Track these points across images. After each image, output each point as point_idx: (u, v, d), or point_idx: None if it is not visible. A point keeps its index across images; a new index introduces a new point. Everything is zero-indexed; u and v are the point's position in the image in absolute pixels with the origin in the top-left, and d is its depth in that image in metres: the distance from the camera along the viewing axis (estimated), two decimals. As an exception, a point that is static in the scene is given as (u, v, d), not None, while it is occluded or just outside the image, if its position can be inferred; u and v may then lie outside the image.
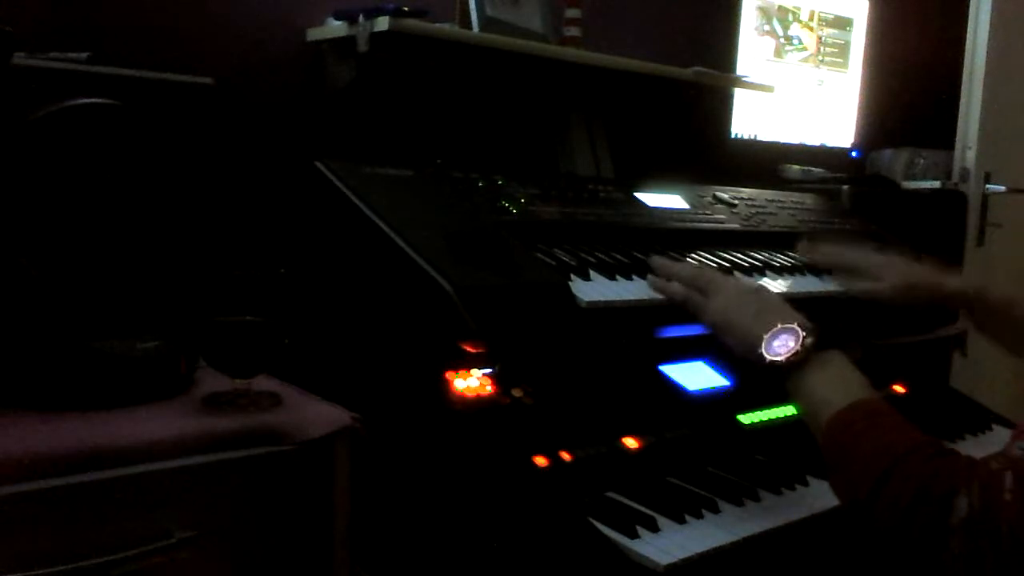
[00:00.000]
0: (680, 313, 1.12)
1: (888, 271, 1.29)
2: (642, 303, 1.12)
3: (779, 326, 0.97)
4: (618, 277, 1.16)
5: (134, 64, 1.14)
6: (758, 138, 2.16)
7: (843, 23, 2.35)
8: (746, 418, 1.23)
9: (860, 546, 0.99)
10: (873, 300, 1.29)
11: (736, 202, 1.61)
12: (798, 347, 0.95)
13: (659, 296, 1.13)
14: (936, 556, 0.76)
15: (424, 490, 1.04)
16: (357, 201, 1.12)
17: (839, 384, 0.93)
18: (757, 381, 1.17)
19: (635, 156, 1.79)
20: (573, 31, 1.73)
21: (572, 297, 1.07)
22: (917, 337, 1.54)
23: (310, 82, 1.54)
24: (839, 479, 0.88)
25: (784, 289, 1.29)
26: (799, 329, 0.96)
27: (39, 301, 0.94)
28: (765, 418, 1.23)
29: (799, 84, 2.25)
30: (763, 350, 0.97)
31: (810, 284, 1.36)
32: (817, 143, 2.32)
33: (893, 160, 2.49)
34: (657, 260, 1.19)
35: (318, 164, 1.18)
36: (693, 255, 1.34)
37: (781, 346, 0.96)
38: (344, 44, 1.46)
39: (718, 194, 1.62)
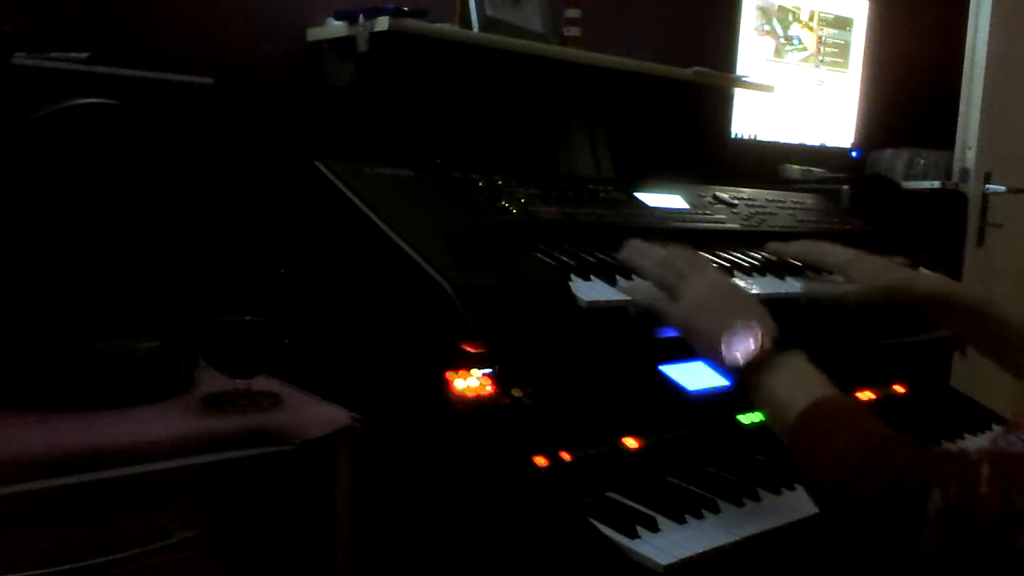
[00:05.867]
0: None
1: (859, 270, 1.21)
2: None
3: (738, 326, 0.95)
4: (618, 277, 1.16)
5: (134, 64, 1.14)
6: (758, 138, 2.16)
7: (843, 23, 2.36)
8: (746, 418, 1.22)
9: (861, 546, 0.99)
10: (843, 304, 1.22)
11: (736, 202, 1.61)
12: (756, 350, 0.93)
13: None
14: (911, 548, 0.75)
15: (424, 490, 1.04)
16: (357, 201, 1.12)
17: (800, 384, 0.91)
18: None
19: (635, 156, 1.79)
20: (573, 31, 1.73)
21: (572, 297, 1.07)
22: (917, 337, 1.54)
23: (310, 82, 1.54)
24: (810, 478, 0.87)
25: (784, 290, 1.29)
26: (757, 330, 0.94)
27: (39, 301, 0.94)
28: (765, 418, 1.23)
29: (799, 84, 2.26)
30: (723, 352, 0.95)
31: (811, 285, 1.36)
32: (817, 143, 2.32)
33: (893, 160, 2.49)
34: (626, 250, 1.13)
35: (318, 164, 1.18)
36: (693, 255, 1.33)
37: (739, 347, 0.94)
38: (344, 44, 1.46)
39: (718, 194, 1.62)
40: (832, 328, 0.98)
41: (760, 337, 0.94)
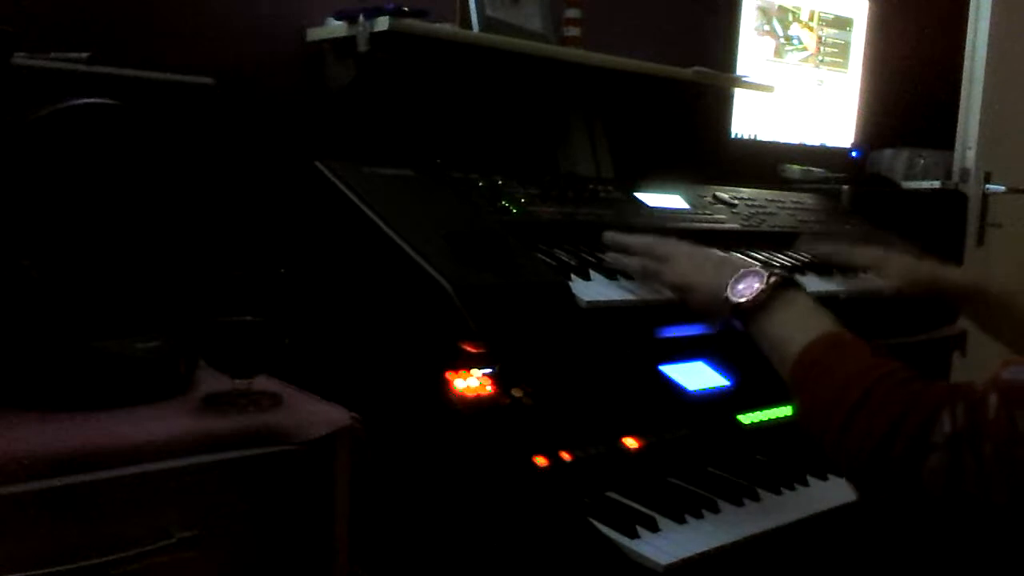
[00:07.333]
0: (680, 313, 1.12)
1: (890, 265, 1.29)
2: (642, 303, 1.12)
3: (743, 270, 0.99)
4: (618, 277, 1.16)
5: (134, 64, 1.14)
6: (758, 138, 2.16)
7: (843, 23, 2.35)
8: (746, 418, 1.23)
9: (861, 546, 0.99)
10: (877, 296, 1.28)
11: (736, 202, 1.61)
12: (763, 286, 0.96)
13: (659, 296, 1.13)
14: (915, 474, 0.75)
15: (424, 490, 1.04)
16: (357, 201, 1.12)
17: (806, 322, 0.93)
18: (757, 381, 1.17)
19: (635, 156, 1.79)
20: (573, 31, 1.73)
21: (572, 297, 1.07)
22: (917, 337, 1.54)
23: (310, 82, 1.54)
24: (810, 409, 0.87)
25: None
26: (762, 271, 0.97)
27: (40, 301, 0.94)
28: (765, 418, 1.24)
29: (799, 84, 2.25)
30: (728, 294, 0.98)
31: (812, 284, 1.36)
32: (817, 143, 2.32)
33: (893, 160, 2.49)
34: (609, 235, 1.21)
35: (318, 164, 1.18)
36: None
37: (746, 288, 0.97)
38: (344, 44, 1.46)
39: (718, 194, 1.62)
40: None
41: (766, 277, 0.96)
